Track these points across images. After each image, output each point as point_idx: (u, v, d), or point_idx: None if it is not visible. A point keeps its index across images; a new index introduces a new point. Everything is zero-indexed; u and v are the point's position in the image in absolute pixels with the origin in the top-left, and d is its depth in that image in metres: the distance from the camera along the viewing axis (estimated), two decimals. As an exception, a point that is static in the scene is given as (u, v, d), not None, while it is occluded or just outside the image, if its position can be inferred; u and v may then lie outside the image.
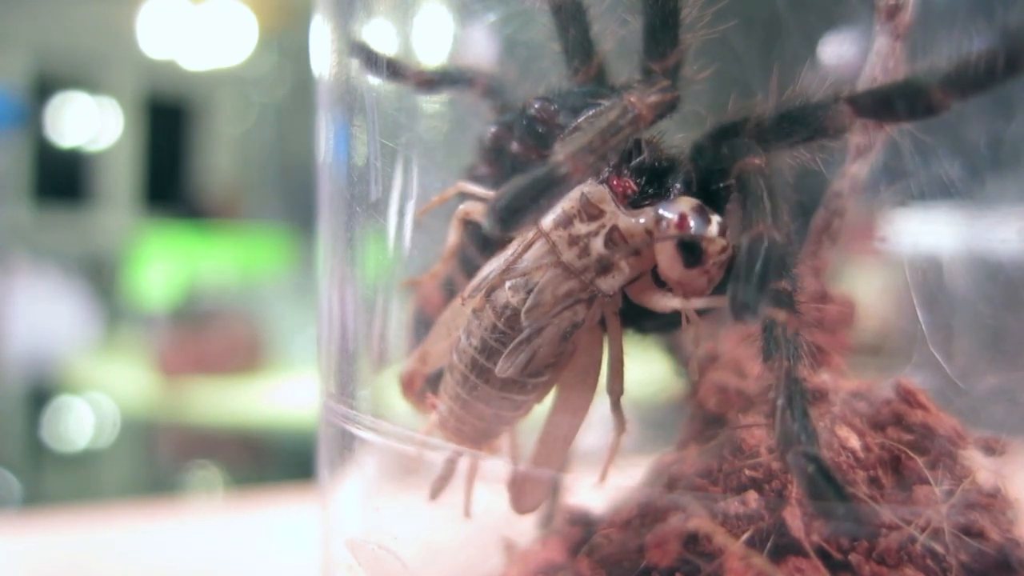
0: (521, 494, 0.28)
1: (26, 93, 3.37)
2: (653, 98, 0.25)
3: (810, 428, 0.22)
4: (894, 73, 0.30)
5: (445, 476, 0.30)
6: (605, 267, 0.26)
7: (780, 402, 0.22)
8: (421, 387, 0.31)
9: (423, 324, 0.33)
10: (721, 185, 0.27)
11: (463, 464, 0.29)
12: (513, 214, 0.22)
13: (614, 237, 0.26)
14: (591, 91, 0.29)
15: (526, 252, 0.27)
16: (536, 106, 0.29)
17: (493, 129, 0.31)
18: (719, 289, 0.26)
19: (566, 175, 0.22)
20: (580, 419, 0.28)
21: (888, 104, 0.23)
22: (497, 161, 0.31)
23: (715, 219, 0.25)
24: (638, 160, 0.27)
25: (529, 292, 0.26)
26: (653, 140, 0.28)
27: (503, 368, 0.26)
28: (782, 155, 0.27)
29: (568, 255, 0.26)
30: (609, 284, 0.26)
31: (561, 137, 0.25)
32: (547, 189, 0.22)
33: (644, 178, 0.27)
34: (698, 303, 0.25)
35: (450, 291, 0.32)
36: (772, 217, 0.23)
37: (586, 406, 0.28)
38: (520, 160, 0.29)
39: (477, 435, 0.29)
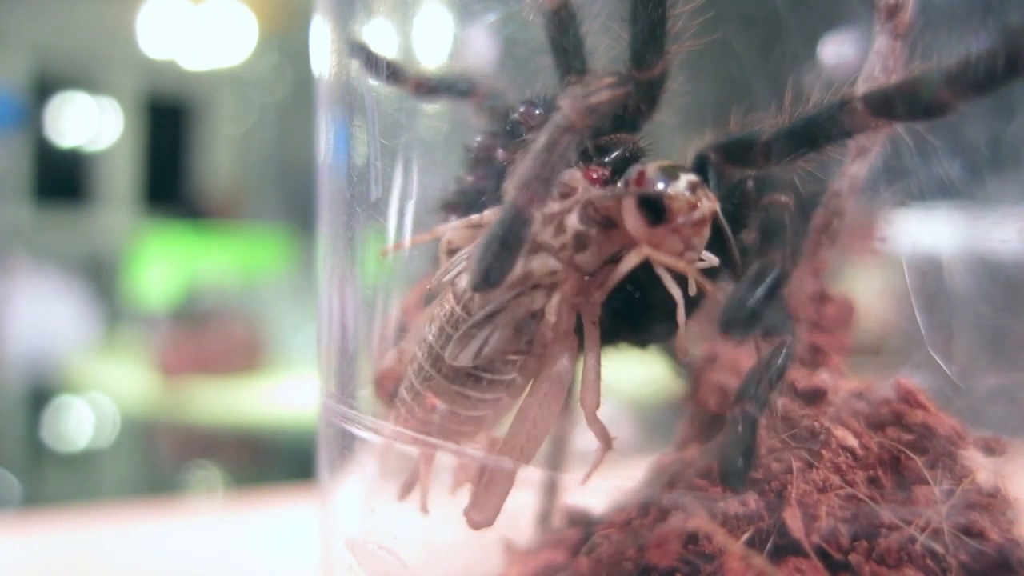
0: (474, 505, 0.27)
1: (26, 93, 3.37)
2: (591, 100, 0.24)
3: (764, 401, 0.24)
4: (897, 73, 0.30)
5: (413, 476, 0.29)
6: (582, 243, 0.25)
7: (761, 370, 0.24)
8: (393, 386, 0.30)
9: (403, 336, 0.33)
10: (740, 212, 0.27)
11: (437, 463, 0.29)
12: (492, 270, 0.22)
13: (589, 212, 0.25)
14: None
15: None
16: (521, 110, 0.29)
17: (480, 139, 0.31)
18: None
19: (521, 209, 0.22)
20: (541, 431, 0.27)
21: (903, 102, 0.23)
22: (484, 171, 0.31)
23: (685, 177, 0.24)
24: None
25: None
26: (643, 149, 0.28)
27: (452, 353, 0.25)
28: (796, 161, 0.27)
29: (544, 234, 0.25)
30: (588, 261, 0.25)
31: (508, 172, 0.25)
32: (511, 231, 0.22)
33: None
34: (683, 265, 0.24)
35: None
36: (792, 253, 0.24)
37: (549, 418, 0.26)
38: (505, 165, 0.29)
39: (431, 434, 0.27)
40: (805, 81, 0.27)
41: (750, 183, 0.27)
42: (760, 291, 0.23)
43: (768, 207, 0.26)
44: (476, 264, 0.22)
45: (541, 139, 0.23)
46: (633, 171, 0.25)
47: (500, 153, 0.29)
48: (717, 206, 0.25)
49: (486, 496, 0.27)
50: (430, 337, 0.26)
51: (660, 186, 0.24)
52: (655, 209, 0.24)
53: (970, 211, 0.32)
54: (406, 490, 0.29)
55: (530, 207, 0.22)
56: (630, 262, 0.25)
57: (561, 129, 0.23)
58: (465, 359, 0.25)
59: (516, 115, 0.29)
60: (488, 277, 0.22)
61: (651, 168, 0.25)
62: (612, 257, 0.26)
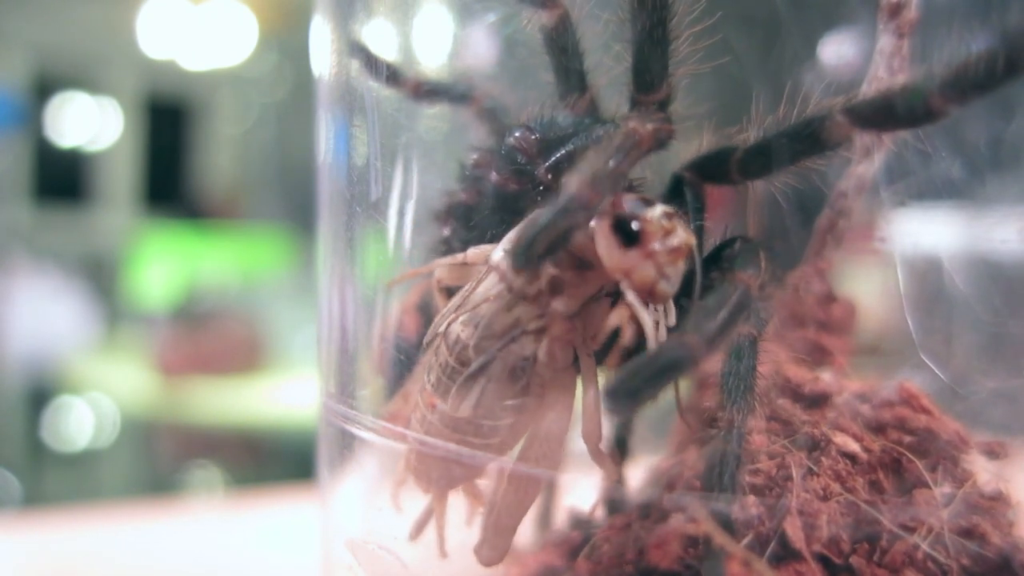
0: (483, 543, 0.27)
1: (26, 93, 3.36)
2: (651, 125, 0.24)
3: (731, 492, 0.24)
4: (900, 72, 0.30)
5: (425, 516, 0.29)
6: (557, 288, 0.25)
7: (718, 465, 0.24)
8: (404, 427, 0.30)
9: (401, 343, 0.33)
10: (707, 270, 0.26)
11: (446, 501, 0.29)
12: (534, 254, 0.22)
13: (561, 255, 0.25)
14: (574, 120, 0.29)
15: (478, 287, 0.26)
16: (516, 134, 0.28)
17: (475, 156, 0.30)
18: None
19: (584, 204, 0.22)
20: (549, 468, 0.26)
21: (886, 113, 0.23)
22: (477, 188, 0.30)
23: (661, 207, 0.24)
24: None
25: (478, 326, 0.25)
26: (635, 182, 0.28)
27: (453, 406, 0.26)
28: (775, 176, 0.27)
29: (519, 282, 0.25)
30: (566, 304, 0.25)
31: (567, 167, 0.25)
32: (567, 222, 0.22)
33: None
34: (656, 297, 0.24)
35: (426, 314, 0.32)
36: (708, 340, 0.22)
37: (553, 458, 0.26)
38: (498, 189, 0.29)
39: (441, 479, 0.28)
40: (802, 84, 0.27)
41: (737, 244, 0.26)
42: (656, 368, 0.21)
43: (729, 281, 0.24)
44: (518, 247, 0.22)
45: (612, 143, 0.23)
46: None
47: (494, 175, 0.29)
48: (693, 241, 0.24)
49: (495, 535, 0.27)
50: (428, 387, 0.27)
51: (635, 209, 0.24)
52: (628, 233, 0.23)
53: (970, 211, 0.32)
54: (418, 529, 0.29)
55: (591, 203, 0.22)
56: (617, 317, 0.24)
57: (634, 141, 0.23)
58: (465, 410, 0.26)
59: (512, 140, 0.28)
60: (526, 263, 0.22)
61: (627, 194, 0.24)
62: (594, 296, 0.26)
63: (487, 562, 0.27)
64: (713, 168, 0.28)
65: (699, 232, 0.28)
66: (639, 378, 0.21)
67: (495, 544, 0.27)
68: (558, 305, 0.25)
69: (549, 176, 0.28)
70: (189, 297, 2.51)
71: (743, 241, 0.26)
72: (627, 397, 0.21)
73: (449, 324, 0.26)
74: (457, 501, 0.29)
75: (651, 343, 0.24)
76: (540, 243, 0.22)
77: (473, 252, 0.28)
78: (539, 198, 0.28)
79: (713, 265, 0.26)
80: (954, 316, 0.31)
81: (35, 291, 2.60)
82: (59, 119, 3.67)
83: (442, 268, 0.29)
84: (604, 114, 0.31)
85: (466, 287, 0.27)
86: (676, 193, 0.29)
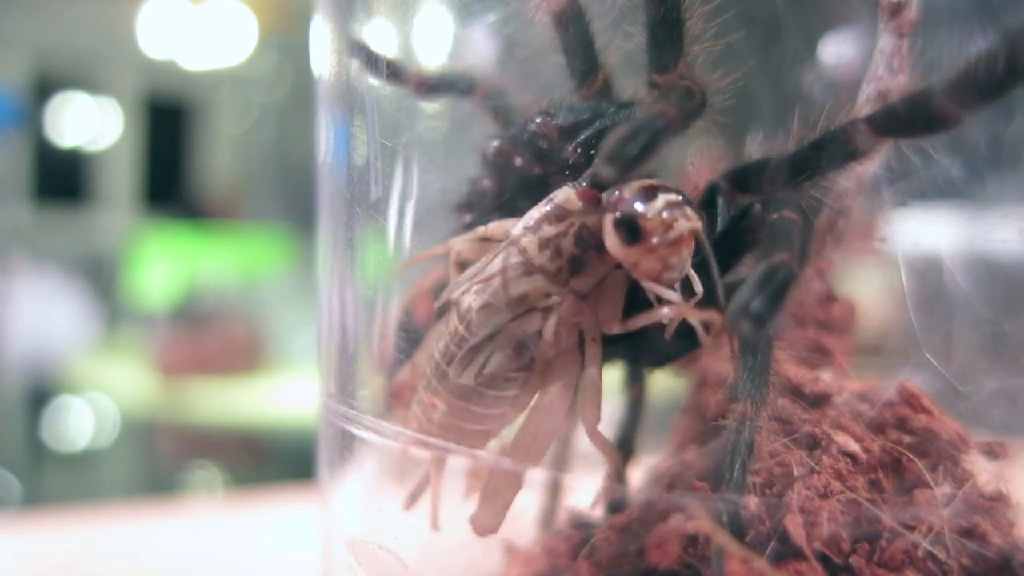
0: (479, 512, 0.27)
1: (26, 93, 3.36)
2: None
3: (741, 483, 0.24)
4: (900, 72, 0.30)
5: (421, 486, 0.29)
6: (578, 266, 0.25)
7: (729, 454, 0.24)
8: (410, 399, 0.30)
9: (409, 330, 0.33)
10: (747, 235, 0.27)
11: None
12: (629, 158, 0.22)
13: (583, 234, 0.25)
14: (593, 105, 0.29)
15: (495, 259, 0.26)
16: (538, 120, 0.29)
17: (496, 143, 0.30)
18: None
19: (668, 118, 0.23)
20: (542, 445, 0.27)
21: (907, 120, 0.23)
22: (500, 175, 0.30)
23: (664, 197, 0.24)
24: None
25: (488, 296, 0.26)
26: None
27: (456, 372, 0.26)
28: (804, 186, 0.27)
29: (540, 259, 0.26)
30: (585, 283, 0.26)
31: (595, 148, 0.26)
32: (653, 126, 0.22)
33: None
34: (661, 286, 0.24)
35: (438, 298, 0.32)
36: (800, 256, 0.23)
37: (550, 432, 0.27)
38: (521, 174, 0.29)
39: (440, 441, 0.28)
40: (808, 84, 0.27)
41: (757, 206, 0.27)
42: (768, 292, 0.22)
43: (774, 222, 0.25)
44: (613, 153, 0.22)
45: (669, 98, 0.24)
46: (613, 190, 0.25)
47: (518, 161, 0.29)
48: (699, 226, 0.24)
49: (491, 504, 0.27)
50: (436, 355, 0.27)
51: (635, 206, 0.24)
52: (630, 230, 0.24)
53: (970, 211, 0.32)
54: (413, 500, 0.30)
55: (673, 123, 0.23)
56: (653, 316, 0.25)
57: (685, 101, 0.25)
58: (467, 378, 0.26)
59: (534, 126, 0.29)
60: (623, 167, 0.22)
61: (630, 187, 0.25)
62: (606, 276, 0.26)
63: (482, 531, 0.27)
64: (747, 178, 0.28)
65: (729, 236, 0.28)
66: (756, 306, 0.21)
67: (490, 513, 0.27)
68: (577, 284, 0.26)
69: (578, 153, 0.28)
70: (189, 297, 2.51)
71: (763, 202, 0.27)
72: (751, 325, 0.21)
73: (463, 293, 0.27)
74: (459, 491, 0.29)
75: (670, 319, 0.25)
76: (632, 151, 0.22)
77: (493, 226, 0.28)
78: (563, 181, 0.28)
79: (742, 222, 0.27)
80: (954, 316, 0.31)
81: (35, 291, 2.60)
82: (59, 119, 3.67)
83: (461, 243, 0.29)
84: (618, 95, 0.31)
85: (484, 259, 0.27)
86: (710, 201, 0.29)
